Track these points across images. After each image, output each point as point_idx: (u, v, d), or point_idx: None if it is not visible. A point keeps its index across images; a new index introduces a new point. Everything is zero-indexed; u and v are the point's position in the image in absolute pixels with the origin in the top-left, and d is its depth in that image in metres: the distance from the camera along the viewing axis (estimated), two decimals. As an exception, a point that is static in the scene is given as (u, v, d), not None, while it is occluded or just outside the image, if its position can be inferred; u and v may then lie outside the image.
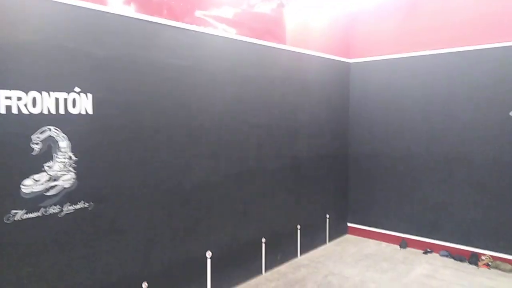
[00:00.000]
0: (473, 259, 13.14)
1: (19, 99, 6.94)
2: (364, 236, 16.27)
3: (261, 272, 12.43)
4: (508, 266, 12.44)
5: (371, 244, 15.60)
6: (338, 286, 11.72)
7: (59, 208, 7.45)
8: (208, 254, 10.60)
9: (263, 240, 12.46)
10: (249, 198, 12.04)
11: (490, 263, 12.81)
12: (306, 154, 14.61)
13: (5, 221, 6.72)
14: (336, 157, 16.48)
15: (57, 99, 7.42)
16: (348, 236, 16.68)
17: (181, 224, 9.91)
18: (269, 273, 12.70)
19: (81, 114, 7.89)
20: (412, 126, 14.89)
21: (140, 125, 9.06)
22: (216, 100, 10.94)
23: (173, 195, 9.72)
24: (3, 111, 6.76)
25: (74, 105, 7.73)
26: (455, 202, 13.76)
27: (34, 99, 7.14)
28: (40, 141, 7.30)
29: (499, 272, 12.47)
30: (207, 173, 10.64)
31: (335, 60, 15.87)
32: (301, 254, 14.17)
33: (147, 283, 9.00)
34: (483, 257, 13.01)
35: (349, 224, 16.94)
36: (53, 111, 7.37)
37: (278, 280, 12.06)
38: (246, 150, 11.95)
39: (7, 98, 6.80)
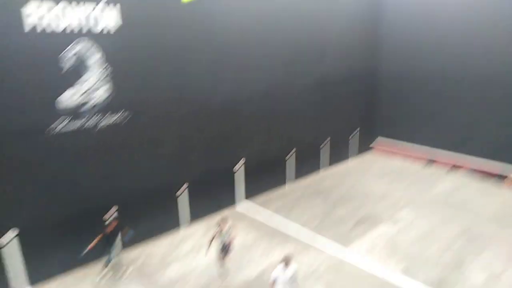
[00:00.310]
0: (499, 177, 13.20)
1: (50, 9, 6.92)
2: (391, 152, 16.39)
3: (289, 182, 13.11)
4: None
5: (398, 159, 15.83)
6: (363, 196, 12.27)
7: (97, 120, 7.89)
8: (239, 164, 11.24)
9: (292, 152, 12.95)
10: (277, 114, 12.21)
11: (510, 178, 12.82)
12: (334, 72, 14.20)
13: (50, 131, 7.24)
14: (365, 75, 16.00)
15: (86, 10, 7.36)
16: (375, 152, 16.94)
17: (212, 136, 10.34)
18: (297, 183, 13.36)
19: (111, 26, 7.90)
20: (448, 43, 14.06)
21: (167, 40, 9.03)
22: (242, 17, 10.61)
23: (203, 111, 9.99)
24: (35, 25, 6.75)
25: (103, 17, 7.69)
26: (486, 120, 13.43)
27: (64, 10, 7.12)
28: (75, 55, 7.49)
29: (524, 188, 12.60)
30: (234, 90, 10.78)
31: None
32: (329, 165, 14.68)
33: (184, 188, 9.78)
34: (511, 175, 13.05)
35: (377, 140, 17.09)
36: (84, 23, 7.38)
37: (305, 189, 12.74)
38: (274, 67, 11.82)
39: (38, 8, 6.76)
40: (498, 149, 13.28)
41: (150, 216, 9.20)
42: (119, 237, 7.94)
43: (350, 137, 15.43)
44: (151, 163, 9.04)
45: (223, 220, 7.92)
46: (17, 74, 6.75)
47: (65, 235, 7.78)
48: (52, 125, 7.27)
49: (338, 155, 15.01)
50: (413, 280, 7.88)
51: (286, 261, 6.29)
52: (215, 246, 7.95)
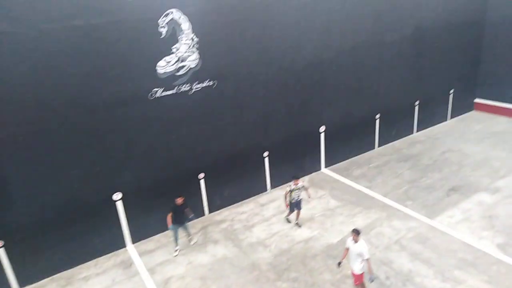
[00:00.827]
0: None
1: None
2: (493, 113, 14.80)
3: (374, 147, 12.65)
4: None
5: (501, 121, 14.20)
6: (457, 162, 11.34)
7: (189, 86, 8.35)
8: (322, 128, 11.13)
9: (378, 115, 12.35)
10: (364, 74, 11.58)
11: None
12: (431, 22, 12.83)
13: (149, 98, 7.91)
14: (469, 24, 14.19)
15: None
16: (474, 113, 15.42)
17: (295, 100, 10.26)
18: (383, 147, 12.81)
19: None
20: None
21: (250, 3, 8.94)
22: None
23: (286, 72, 9.88)
24: None
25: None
26: None
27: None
28: (166, 24, 7.89)
29: None
30: (319, 50, 10.39)
31: None
32: (418, 130, 13.76)
33: (268, 152, 10.09)
34: None
35: (477, 100, 15.47)
36: (172, -5, 7.79)
37: (391, 155, 12.18)
38: (361, 21, 11.05)
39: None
40: None
41: (235, 180, 9.73)
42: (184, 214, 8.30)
43: (447, 96, 14.10)
44: (236, 128, 9.42)
45: (295, 178, 8.58)
46: (120, 42, 7.34)
47: (159, 198, 8.62)
48: (153, 89, 7.94)
49: (433, 116, 13.91)
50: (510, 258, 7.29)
51: (354, 237, 6.19)
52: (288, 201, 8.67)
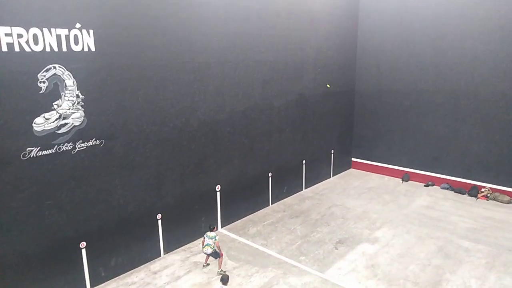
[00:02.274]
0: (473, 191, 13.54)
1: (19, 36, 6.82)
2: (367, 170, 16.70)
3: (268, 204, 13.04)
4: (506, 198, 12.86)
5: (374, 178, 16.08)
6: (341, 216, 12.32)
7: (71, 145, 7.62)
8: (218, 187, 11.08)
9: (270, 174, 12.89)
10: (256, 134, 12.18)
11: (488, 195, 13.22)
12: (312, 90, 14.47)
13: (22, 158, 6.94)
14: (343, 93, 16.37)
15: (58, 36, 7.25)
16: (352, 171, 17.22)
17: (190, 159, 10.15)
18: (276, 204, 13.28)
19: (84, 52, 7.79)
20: (420, 61, 14.63)
21: (144, 62, 8.96)
22: (219, 35, 10.63)
23: (180, 132, 9.84)
24: (5, 49, 6.67)
25: (76, 42, 7.59)
26: (458, 136, 13.88)
27: (35, 36, 6.99)
28: (46, 79, 7.31)
29: (497, 203, 12.93)
30: (213, 110, 10.67)
31: None
32: (306, 187, 14.70)
33: (161, 214, 9.56)
34: (482, 189, 13.43)
35: (353, 159, 17.37)
36: (55, 49, 7.25)
37: (284, 211, 12.67)
38: (252, 86, 11.86)
39: (7, 35, 6.68)
40: (467, 166, 13.75)
41: (124, 247, 8.87)
42: None
43: (329, 156, 15.59)
44: (126, 189, 8.77)
45: (210, 229, 8.89)
46: None
47: (28, 276, 7.38)
48: (28, 149, 7.05)
49: (319, 174, 15.11)
50: (393, 301, 7.89)
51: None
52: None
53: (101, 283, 8.50)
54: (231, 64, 10.87)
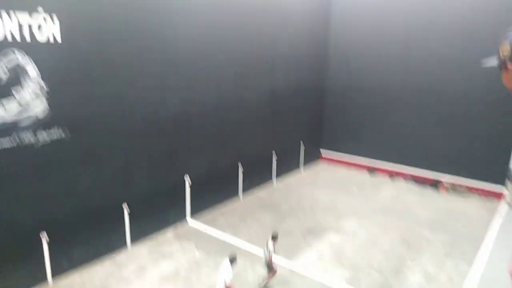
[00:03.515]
0: (434, 183, 14.19)
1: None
2: (336, 163, 17.02)
3: (238, 196, 13.06)
4: (464, 190, 13.53)
5: (342, 170, 16.43)
6: (309, 207, 12.52)
7: (34, 138, 7.33)
8: (187, 179, 10.94)
9: (240, 166, 12.87)
10: (227, 127, 12.17)
11: (449, 187, 13.90)
12: (284, 85, 14.60)
13: None
14: (313, 89, 16.61)
15: (21, 25, 6.87)
16: (321, 163, 17.48)
17: (159, 151, 10.01)
18: (246, 196, 13.30)
19: (49, 41, 7.43)
20: (389, 60, 15.04)
21: (113, 54, 8.71)
22: (191, 29, 10.52)
23: (150, 125, 9.67)
24: None
25: (40, 31, 7.19)
26: (423, 132, 14.43)
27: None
28: (7, 68, 6.87)
29: (456, 194, 13.59)
30: (183, 103, 10.56)
31: None
32: (276, 179, 14.85)
33: (128, 206, 9.35)
34: (443, 182, 14.11)
35: (322, 152, 17.72)
36: (18, 38, 6.84)
37: (254, 203, 12.70)
38: (223, 81, 11.81)
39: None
40: (431, 160, 14.34)
41: (89, 238, 8.65)
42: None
43: (298, 149, 15.78)
44: (92, 181, 8.54)
45: (272, 236, 8.27)
46: None
47: None
48: None
49: (287, 167, 15.26)
50: (357, 288, 8.15)
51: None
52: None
53: (63, 274, 8.25)
54: (203, 57, 10.78)
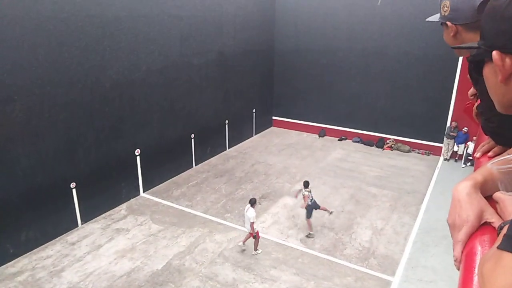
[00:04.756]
0: (380, 143, 14.96)
1: None
2: (287, 128, 17.27)
3: (192, 165, 12.92)
4: (407, 147, 14.43)
5: (293, 135, 16.75)
6: (264, 172, 12.74)
7: None
8: (137, 151, 10.57)
9: (192, 135, 12.64)
10: (175, 94, 11.75)
11: (393, 146, 14.73)
12: (232, 48, 14.22)
13: None
14: (262, 52, 16.35)
15: None
16: (273, 129, 17.67)
17: (104, 123, 9.50)
18: (200, 165, 13.21)
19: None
20: (335, 21, 15.10)
21: (42, 15, 7.88)
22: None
23: (92, 93, 9.07)
24: None
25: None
26: (368, 93, 14.96)
27: None
28: None
29: (400, 152, 14.46)
30: (127, 69, 9.96)
31: None
32: (229, 146, 14.79)
33: (75, 183, 8.90)
34: (387, 141, 14.93)
35: (274, 117, 17.84)
36: None
37: (209, 172, 12.68)
38: (168, 43, 11.24)
39: None
40: (375, 120, 15.02)
41: (35, 220, 8.18)
42: None
43: (251, 115, 15.76)
44: (32, 159, 7.94)
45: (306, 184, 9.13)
46: None
47: None
48: None
49: (241, 133, 15.25)
50: (311, 248, 8.57)
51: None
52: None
53: (10, 260, 7.81)
54: (145, 19, 10.10)
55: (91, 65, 8.88)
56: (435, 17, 1.70)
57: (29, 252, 8.11)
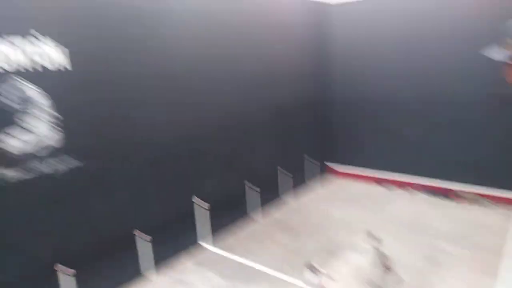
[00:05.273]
0: (447, 192, 13.85)
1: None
2: (346, 177, 16.66)
3: (248, 215, 12.67)
4: (479, 198, 13.21)
5: (353, 184, 16.06)
6: (323, 224, 12.11)
7: (52, 167, 7.38)
8: (197, 204, 10.67)
9: (247, 184, 12.47)
10: (233, 146, 12.02)
11: (466, 197, 13.46)
12: (288, 100, 14.50)
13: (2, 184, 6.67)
14: (317, 101, 16.35)
15: (29, 55, 6.90)
16: (330, 177, 16.98)
17: (168, 175, 9.93)
18: (258, 217, 12.85)
19: (60, 71, 7.47)
20: (395, 70, 14.72)
21: (121, 80, 8.74)
22: (194, 49, 10.39)
23: (158, 149, 9.59)
24: None
25: (51, 61, 7.27)
26: (434, 140, 14.13)
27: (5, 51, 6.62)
28: (19, 99, 6.85)
29: (474, 204, 13.13)
30: (192, 126, 10.49)
31: (316, 2, 15.25)
32: (284, 195, 14.26)
33: (143, 232, 9.20)
34: (459, 191, 13.66)
35: (329, 165, 17.24)
36: (28, 68, 6.91)
37: (266, 225, 12.33)
38: (226, 99, 11.64)
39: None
40: (443, 168, 14.10)
41: (107, 267, 8.51)
42: None
43: (303, 163, 15.56)
44: (106, 210, 8.51)
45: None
46: None
47: None
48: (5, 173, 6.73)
49: (295, 182, 15.00)
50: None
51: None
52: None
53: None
54: (204, 77, 10.76)
55: (157, 124, 9.61)
56: (496, 52, 1.54)
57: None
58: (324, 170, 16.91)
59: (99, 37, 8.14)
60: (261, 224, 12.29)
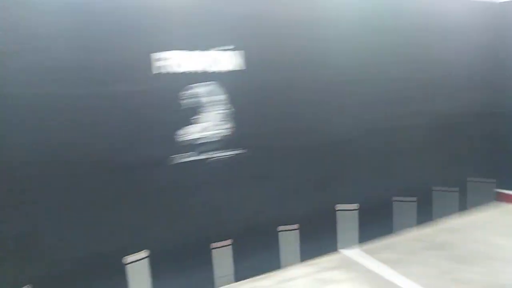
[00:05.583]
0: None
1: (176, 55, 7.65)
2: (517, 204, 14.31)
3: (394, 232, 11.74)
4: None
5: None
6: (490, 255, 10.48)
7: (222, 153, 8.37)
8: (342, 207, 10.52)
9: (395, 199, 11.61)
10: (382, 157, 11.24)
11: None
12: (450, 110, 12.73)
13: (168, 164, 7.79)
14: (489, 114, 13.96)
15: (215, 59, 8.02)
16: (498, 203, 14.34)
17: (316, 177, 9.98)
18: (404, 234, 11.88)
19: (236, 70, 8.38)
20: None
21: (281, 80, 9.11)
22: (354, 53, 10.21)
23: (305, 149, 9.72)
24: (177, 69, 7.55)
25: (228, 61, 8.22)
26: None
27: (191, 56, 7.74)
28: (204, 95, 8.00)
29: None
30: (348, 129, 10.37)
31: (483, 1, 13.23)
32: (439, 217, 12.81)
33: (283, 227, 9.54)
34: None
35: (499, 190, 14.62)
36: (208, 67, 7.97)
37: (415, 243, 11.17)
38: (387, 105, 11.09)
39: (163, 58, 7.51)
40: None
41: (253, 253, 9.10)
42: None
43: (465, 185, 13.72)
44: (257, 199, 9.09)
45: None
46: (145, 112, 7.50)
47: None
48: (172, 157, 7.84)
49: (454, 203, 13.37)
50: None
51: None
52: None
53: (238, 280, 8.92)
54: (370, 82, 10.58)
55: (316, 123, 9.81)
56: None
57: (247, 280, 9.02)
58: (493, 196, 14.58)
59: (270, 41, 8.82)
60: (412, 242, 11.33)
